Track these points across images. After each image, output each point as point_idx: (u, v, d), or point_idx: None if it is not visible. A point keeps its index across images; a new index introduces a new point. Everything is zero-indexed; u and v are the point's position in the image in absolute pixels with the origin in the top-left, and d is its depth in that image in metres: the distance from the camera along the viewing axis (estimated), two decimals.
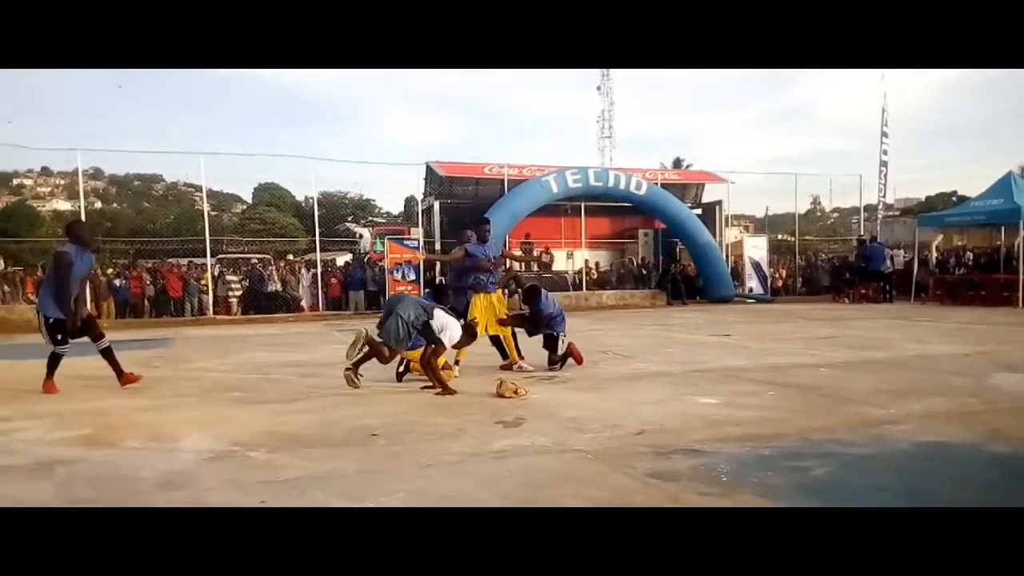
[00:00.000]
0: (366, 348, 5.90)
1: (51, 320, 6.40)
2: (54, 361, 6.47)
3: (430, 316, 5.88)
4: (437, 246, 19.14)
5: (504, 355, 7.47)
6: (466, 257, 7.53)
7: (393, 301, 5.94)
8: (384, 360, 5.72)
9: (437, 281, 15.02)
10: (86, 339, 6.64)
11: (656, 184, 21.28)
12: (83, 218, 17.28)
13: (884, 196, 25.12)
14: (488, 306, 7.41)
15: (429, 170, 22.13)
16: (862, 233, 23.24)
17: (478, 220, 8.08)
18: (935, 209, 30.81)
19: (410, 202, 34.77)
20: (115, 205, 62.01)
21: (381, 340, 5.87)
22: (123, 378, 6.61)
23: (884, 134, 24.26)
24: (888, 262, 19.13)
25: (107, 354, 6.64)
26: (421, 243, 18.71)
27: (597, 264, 22.58)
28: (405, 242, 19.00)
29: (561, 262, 22.29)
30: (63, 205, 53.36)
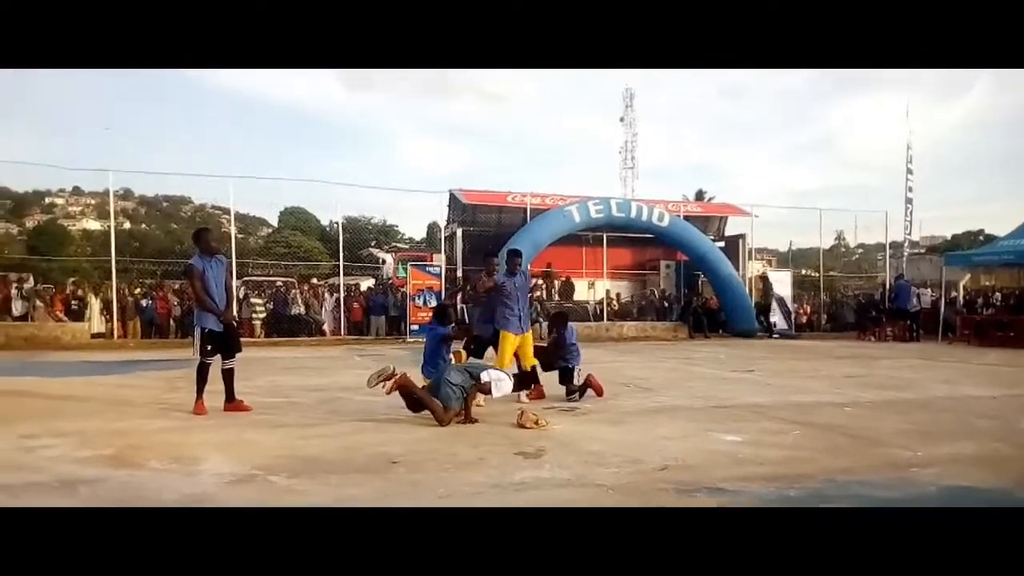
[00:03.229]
0: (387, 383, 6.06)
1: (206, 330, 6.42)
2: (202, 376, 6.42)
3: (476, 377, 6.02)
4: (459, 272, 19.24)
5: (525, 386, 7.41)
6: (495, 289, 7.42)
7: (440, 371, 6.21)
8: (442, 420, 5.82)
9: (458, 302, 14.75)
10: (133, 356, 6.65)
11: (678, 216, 21.26)
12: (112, 238, 17.63)
13: (910, 233, 24.90)
14: (515, 342, 7.36)
15: (452, 197, 22.35)
16: (895, 271, 22.96)
17: (511, 251, 8.03)
18: (961, 247, 30.50)
19: (433, 228, 35.09)
20: (144, 226, 63.18)
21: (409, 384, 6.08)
22: (231, 404, 6.53)
23: (909, 171, 24.13)
24: (915, 300, 18.87)
25: (228, 375, 6.58)
26: (443, 269, 18.80)
27: (618, 295, 22.50)
28: (428, 268, 19.11)
29: (582, 292, 22.26)
30: (93, 224, 54.42)
